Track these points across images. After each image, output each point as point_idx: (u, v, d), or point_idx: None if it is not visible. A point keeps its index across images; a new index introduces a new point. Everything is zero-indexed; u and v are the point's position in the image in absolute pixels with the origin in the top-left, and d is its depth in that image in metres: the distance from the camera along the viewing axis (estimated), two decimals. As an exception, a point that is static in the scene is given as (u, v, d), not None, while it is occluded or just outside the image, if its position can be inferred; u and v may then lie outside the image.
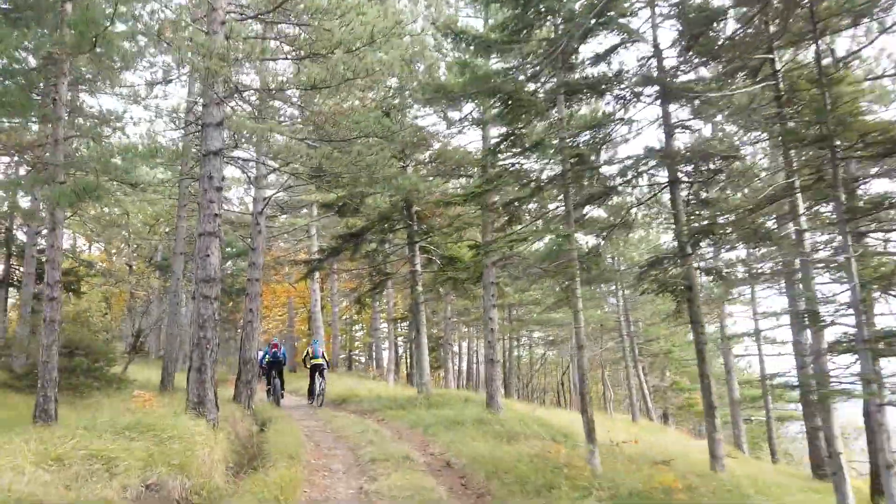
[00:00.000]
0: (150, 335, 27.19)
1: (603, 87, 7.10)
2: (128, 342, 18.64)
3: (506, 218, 8.16)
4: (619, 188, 8.14)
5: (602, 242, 9.64)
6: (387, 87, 13.37)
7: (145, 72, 11.35)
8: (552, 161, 7.14)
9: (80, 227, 18.72)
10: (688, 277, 8.10)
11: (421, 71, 12.67)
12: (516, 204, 7.52)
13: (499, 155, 7.57)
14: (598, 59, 8.07)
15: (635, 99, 7.61)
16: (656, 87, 7.88)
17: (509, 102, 6.49)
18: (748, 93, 7.54)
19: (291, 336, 31.20)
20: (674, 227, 9.65)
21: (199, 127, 8.16)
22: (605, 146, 8.95)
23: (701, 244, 8.27)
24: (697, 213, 8.70)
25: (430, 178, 12.32)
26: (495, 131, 12.70)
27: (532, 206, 9.81)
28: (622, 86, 7.54)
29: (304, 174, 10.37)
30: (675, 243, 10.29)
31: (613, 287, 19.87)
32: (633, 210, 10.07)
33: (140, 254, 23.60)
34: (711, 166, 8.62)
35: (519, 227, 8.66)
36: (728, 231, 7.33)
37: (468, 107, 13.37)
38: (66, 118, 6.89)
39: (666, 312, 21.80)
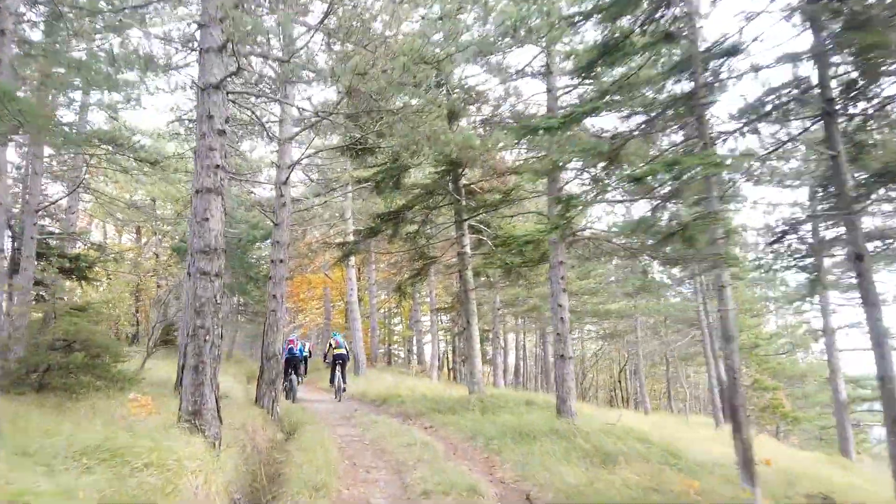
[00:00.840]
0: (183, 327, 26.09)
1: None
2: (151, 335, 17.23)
3: (605, 162, 6.09)
4: (755, 123, 5.92)
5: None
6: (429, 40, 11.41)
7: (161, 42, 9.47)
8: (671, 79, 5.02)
9: (101, 212, 17.44)
10: (854, 241, 5.87)
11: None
12: (630, 132, 5.38)
13: (596, 70, 5.49)
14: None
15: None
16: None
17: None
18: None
19: (328, 330, 29.76)
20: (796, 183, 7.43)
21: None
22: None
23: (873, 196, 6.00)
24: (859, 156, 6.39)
25: (486, 135, 10.27)
26: (563, 81, 10.60)
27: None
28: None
29: (337, 122, 8.45)
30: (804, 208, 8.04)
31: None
32: (753, 164, 7.78)
33: (170, 244, 22.36)
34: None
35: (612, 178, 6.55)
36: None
37: (526, 55, 11.27)
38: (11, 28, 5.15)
39: (763, 298, 19.28)
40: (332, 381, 14.25)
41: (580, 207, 8.16)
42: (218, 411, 5.65)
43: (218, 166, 5.90)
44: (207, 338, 5.62)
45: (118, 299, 16.33)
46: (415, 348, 28.38)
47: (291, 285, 31.50)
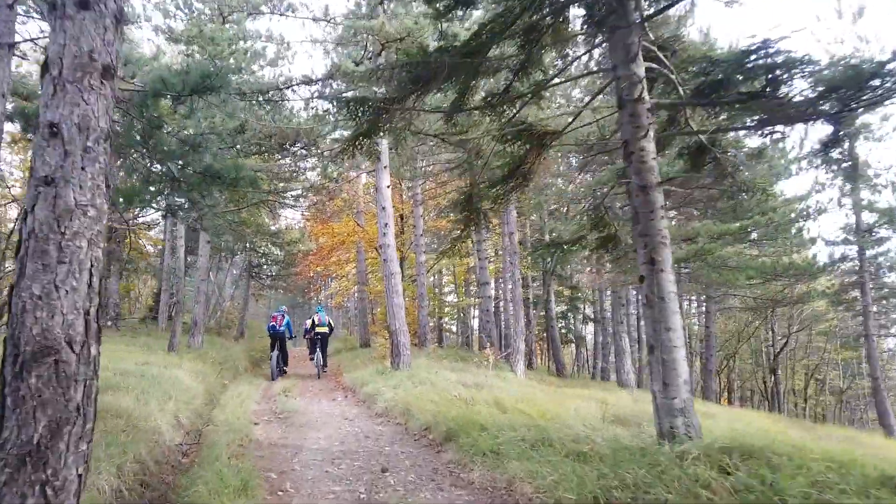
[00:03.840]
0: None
1: None
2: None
3: None
4: None
5: None
6: None
7: None
8: None
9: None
10: None
11: None
12: None
13: None
14: None
15: None
16: None
17: None
18: None
19: (363, 300, 22.92)
20: None
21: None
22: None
23: None
24: None
25: None
26: None
27: None
28: None
29: None
30: None
31: None
32: None
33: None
34: None
35: None
36: None
37: None
38: None
39: None
40: (311, 356, 14.45)
41: None
42: None
43: None
44: None
45: None
46: (475, 323, 20.97)
47: (314, 232, 24.61)
